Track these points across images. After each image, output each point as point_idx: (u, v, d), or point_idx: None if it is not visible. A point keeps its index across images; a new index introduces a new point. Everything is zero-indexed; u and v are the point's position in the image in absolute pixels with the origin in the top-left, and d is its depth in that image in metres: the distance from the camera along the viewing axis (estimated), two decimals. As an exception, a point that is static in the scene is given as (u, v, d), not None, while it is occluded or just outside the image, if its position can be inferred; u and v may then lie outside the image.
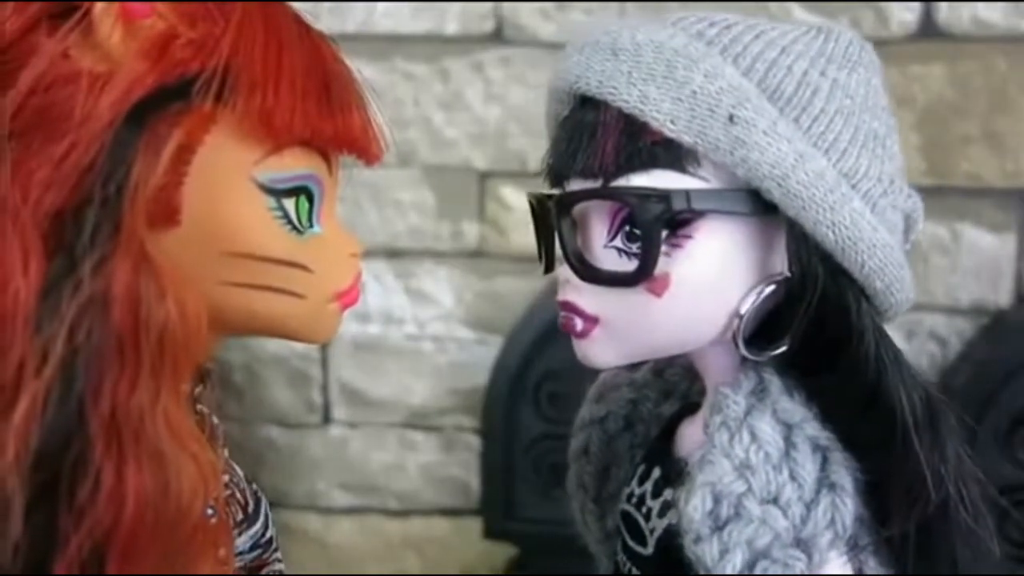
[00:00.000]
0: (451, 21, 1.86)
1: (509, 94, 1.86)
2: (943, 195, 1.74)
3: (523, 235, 1.87)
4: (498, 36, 1.86)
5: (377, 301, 1.89)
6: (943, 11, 1.73)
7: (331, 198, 0.75)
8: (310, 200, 0.72)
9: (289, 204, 0.71)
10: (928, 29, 1.74)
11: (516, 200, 1.87)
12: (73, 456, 0.60)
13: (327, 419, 2.00)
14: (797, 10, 1.75)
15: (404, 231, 1.91)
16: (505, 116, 1.86)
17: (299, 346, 1.89)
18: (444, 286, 1.93)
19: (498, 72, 1.86)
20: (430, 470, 1.99)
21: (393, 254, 1.91)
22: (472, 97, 1.87)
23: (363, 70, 0.75)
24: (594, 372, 1.68)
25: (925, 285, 1.76)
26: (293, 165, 0.70)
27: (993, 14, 1.71)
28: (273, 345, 1.94)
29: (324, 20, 0.75)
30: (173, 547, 0.63)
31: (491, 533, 1.86)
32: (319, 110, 0.69)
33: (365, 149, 0.74)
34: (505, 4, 1.85)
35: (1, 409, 0.59)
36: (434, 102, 1.88)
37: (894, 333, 1.65)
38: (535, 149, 1.85)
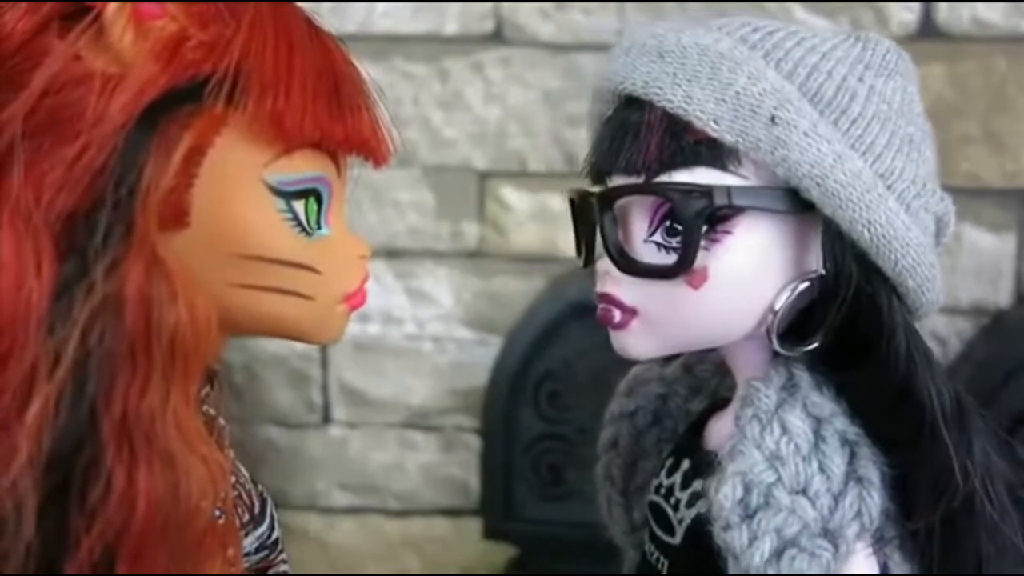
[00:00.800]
0: (451, 21, 1.86)
1: (509, 94, 1.86)
2: (944, 195, 1.74)
3: (523, 235, 1.88)
4: (498, 36, 1.86)
5: (377, 301, 1.89)
6: (943, 11, 1.73)
7: (339, 200, 0.75)
8: (319, 202, 0.72)
9: (298, 206, 0.71)
10: (928, 29, 1.74)
11: (516, 200, 1.87)
12: (85, 458, 0.60)
13: (327, 419, 1.99)
14: (797, 10, 1.75)
15: (404, 231, 1.91)
16: (505, 116, 1.86)
17: (299, 346, 1.89)
18: (444, 286, 1.93)
19: (498, 72, 1.86)
20: (430, 470, 1.99)
21: (393, 254, 1.91)
22: (472, 97, 1.87)
23: (363, 70, 0.76)
24: (594, 370, 1.69)
25: (925, 285, 1.75)
26: (303, 167, 0.71)
27: (993, 14, 1.71)
28: (273, 345, 1.93)
29: (324, 20, 0.75)
30: (183, 548, 0.63)
31: (491, 533, 1.86)
32: (329, 112, 0.69)
33: (374, 151, 0.74)
34: (505, 4, 1.85)
35: (13, 411, 0.59)
36: (434, 102, 1.88)
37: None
38: (534, 149, 1.86)
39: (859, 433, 0.77)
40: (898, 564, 0.78)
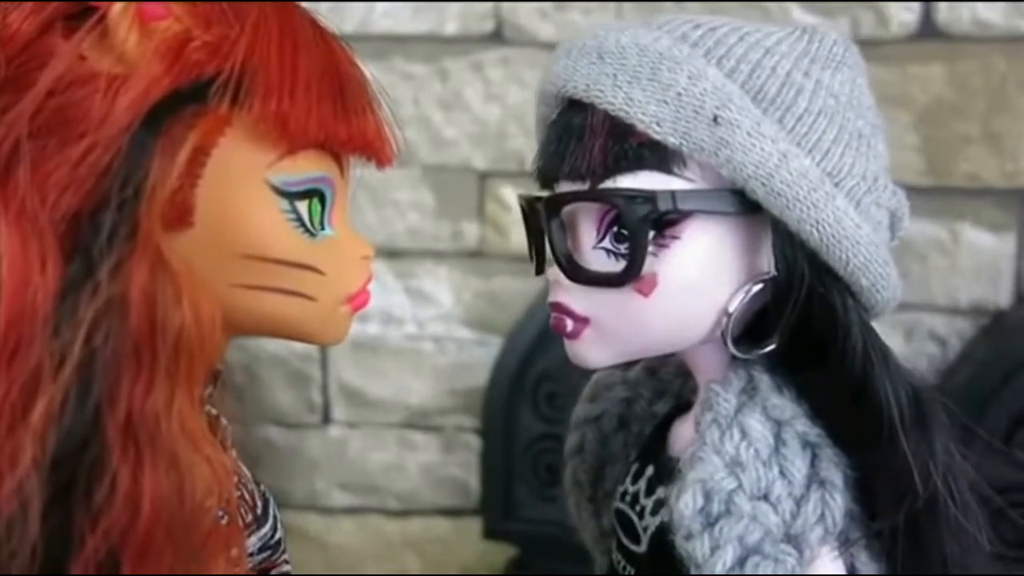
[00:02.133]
0: (450, 21, 1.87)
1: (508, 94, 1.86)
2: (942, 195, 1.75)
3: (523, 235, 1.87)
4: (497, 36, 1.86)
5: (377, 301, 1.87)
6: (943, 11, 1.73)
7: (343, 200, 0.75)
8: (322, 202, 0.72)
9: (302, 206, 0.71)
10: (928, 29, 1.74)
11: (516, 200, 1.87)
12: (90, 458, 0.60)
13: (327, 419, 2.00)
14: (796, 10, 1.75)
15: (403, 231, 1.91)
16: (504, 116, 1.87)
17: (299, 346, 1.89)
18: (444, 286, 1.93)
19: (497, 72, 1.86)
20: (430, 470, 1.99)
21: (393, 254, 1.91)
22: (471, 97, 1.88)
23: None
24: (590, 371, 1.69)
25: (925, 285, 1.76)
26: (307, 168, 0.71)
27: (993, 14, 1.71)
28: (273, 345, 1.94)
29: (323, 20, 0.75)
30: (188, 548, 0.63)
31: (491, 533, 1.86)
32: (334, 113, 0.69)
33: (378, 152, 0.74)
34: (504, 4, 1.85)
35: (18, 411, 0.59)
36: (433, 102, 1.88)
37: (894, 333, 1.65)
38: (534, 149, 1.85)
39: (821, 435, 0.76)
40: (865, 564, 0.77)
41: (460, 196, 1.90)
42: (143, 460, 0.61)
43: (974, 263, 1.76)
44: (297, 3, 0.72)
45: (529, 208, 0.83)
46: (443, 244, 1.92)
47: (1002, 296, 1.77)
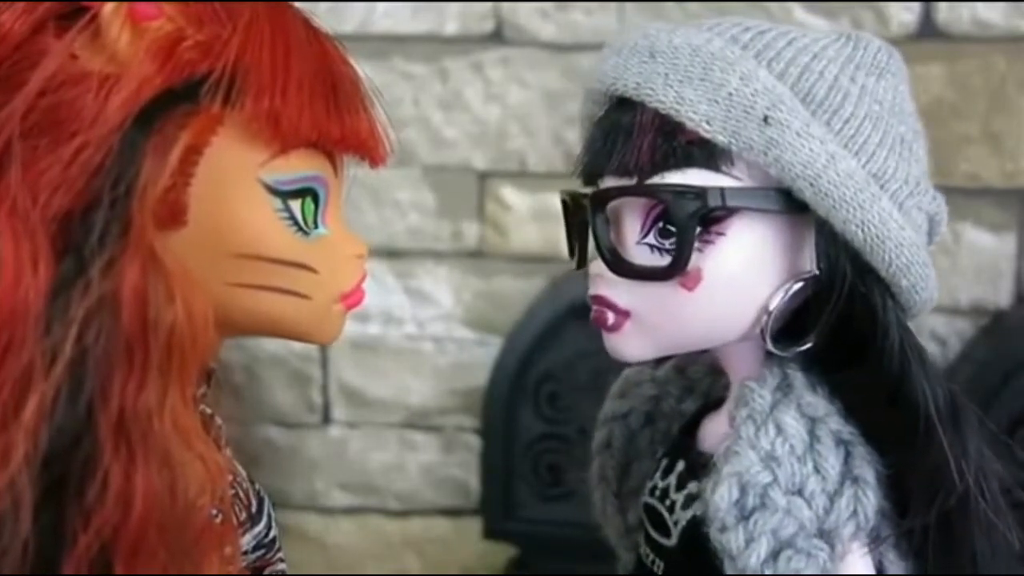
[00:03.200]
0: (450, 21, 1.86)
1: (508, 94, 1.86)
2: (943, 195, 1.74)
3: (523, 235, 1.88)
4: (498, 36, 1.86)
5: (377, 301, 1.89)
6: (943, 11, 1.73)
7: (336, 199, 0.75)
8: (316, 201, 0.73)
9: (295, 205, 0.71)
10: (928, 29, 1.74)
11: (516, 200, 1.87)
12: (82, 456, 0.60)
13: (327, 419, 1.99)
14: (797, 10, 1.75)
15: (403, 231, 1.91)
16: (505, 116, 1.86)
17: (299, 346, 1.89)
18: (444, 286, 1.93)
19: (497, 72, 1.86)
20: (430, 470, 1.98)
21: (392, 254, 1.91)
22: (471, 97, 1.87)
23: (362, 70, 0.76)
24: (592, 371, 1.69)
25: (925, 285, 1.75)
26: (299, 166, 0.71)
27: (993, 14, 1.71)
28: (273, 345, 1.93)
29: (322, 20, 0.75)
30: (180, 546, 0.64)
31: (491, 533, 1.86)
32: (327, 112, 0.69)
33: (371, 151, 0.74)
34: (504, 4, 1.85)
35: (10, 409, 0.59)
36: (433, 102, 1.88)
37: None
38: (534, 149, 1.86)
39: (854, 433, 0.77)
40: (893, 563, 0.78)
41: (460, 196, 1.90)
42: (135, 458, 0.61)
43: (974, 263, 1.76)
44: (290, 3, 0.72)
45: (573, 203, 0.84)
46: (443, 244, 1.92)
47: (1002, 296, 1.76)
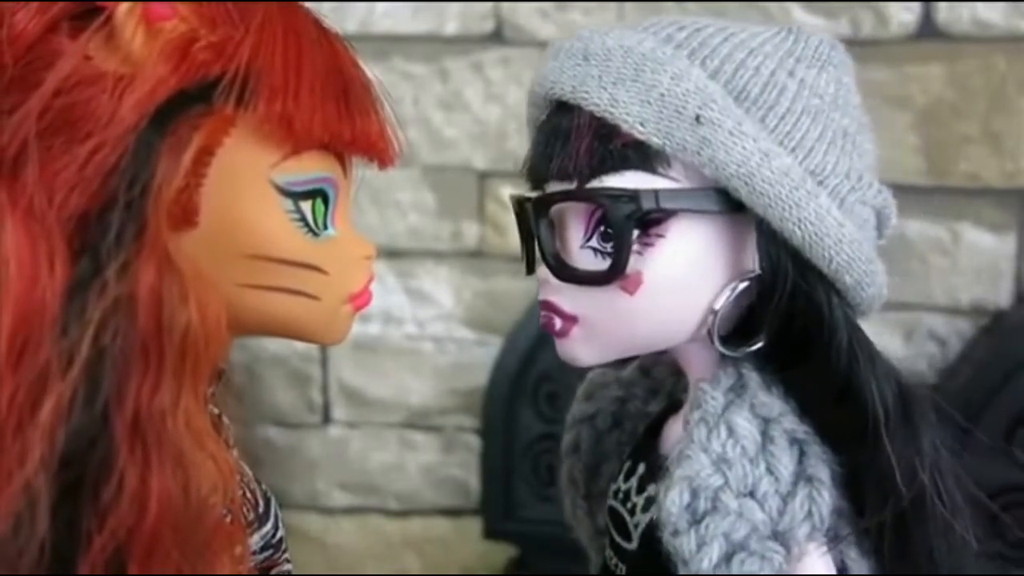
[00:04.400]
0: (450, 21, 1.87)
1: (508, 94, 1.86)
2: (943, 195, 1.75)
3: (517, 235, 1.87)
4: (497, 36, 1.86)
5: (377, 301, 1.87)
6: (942, 11, 1.73)
7: (345, 201, 0.75)
8: (326, 203, 0.73)
9: (306, 206, 0.71)
10: (927, 29, 1.74)
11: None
12: (97, 457, 0.60)
13: (327, 419, 2.00)
14: (797, 10, 1.75)
15: (404, 231, 1.91)
16: (504, 116, 1.87)
17: (299, 346, 1.89)
18: (444, 286, 1.93)
19: (497, 72, 1.87)
20: (430, 470, 1.99)
21: (393, 254, 1.91)
22: (472, 97, 1.88)
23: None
24: (587, 371, 1.69)
25: (925, 285, 1.76)
26: (310, 168, 0.71)
27: (993, 14, 1.71)
28: (273, 345, 1.94)
29: (325, 20, 0.75)
30: (193, 546, 0.64)
31: (491, 533, 1.86)
32: (338, 114, 0.69)
33: (381, 153, 0.75)
34: (504, 4, 1.85)
35: (26, 410, 0.59)
36: (434, 102, 1.88)
37: (894, 333, 1.65)
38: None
39: (808, 432, 0.77)
40: (855, 561, 0.77)
41: (460, 196, 1.90)
42: (150, 459, 0.61)
43: (974, 263, 1.76)
44: (302, 4, 0.72)
45: (520, 208, 0.84)
46: (443, 244, 1.92)
47: (1002, 296, 1.77)
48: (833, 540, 0.76)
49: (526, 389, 1.82)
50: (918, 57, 1.74)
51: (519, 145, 1.84)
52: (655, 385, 0.96)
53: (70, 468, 0.59)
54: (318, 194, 0.72)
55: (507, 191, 1.87)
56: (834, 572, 0.77)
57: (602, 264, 0.76)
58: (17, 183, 0.61)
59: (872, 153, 0.82)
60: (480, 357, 1.91)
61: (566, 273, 0.78)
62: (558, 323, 0.79)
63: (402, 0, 1.85)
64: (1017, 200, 1.75)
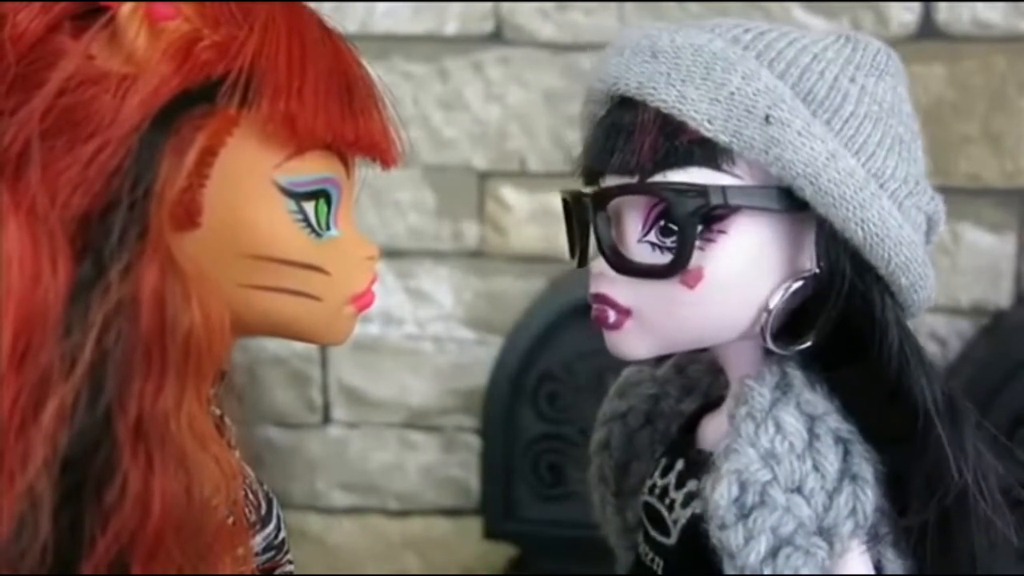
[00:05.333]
0: (450, 21, 1.86)
1: (508, 94, 1.86)
2: (943, 195, 1.73)
3: (523, 235, 1.88)
4: (497, 36, 1.86)
5: (377, 301, 1.87)
6: (943, 11, 1.73)
7: (348, 201, 0.75)
8: (328, 203, 0.72)
9: (309, 207, 0.71)
10: (928, 29, 1.74)
11: (516, 200, 1.88)
12: (100, 460, 0.60)
13: (327, 419, 1.99)
14: (797, 10, 1.75)
15: (404, 231, 1.91)
16: (505, 116, 1.87)
17: (299, 346, 1.89)
18: (444, 286, 1.93)
19: (497, 72, 1.86)
20: (430, 470, 1.99)
21: (393, 254, 1.91)
22: (472, 97, 1.88)
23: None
24: (591, 371, 1.69)
25: (925, 285, 1.76)
26: (314, 168, 0.71)
27: (993, 14, 1.71)
28: (273, 345, 1.93)
29: (330, 21, 0.75)
30: (196, 549, 0.63)
31: (491, 533, 1.86)
32: (341, 114, 0.69)
33: (384, 153, 0.74)
34: (504, 4, 1.85)
35: (29, 413, 0.59)
36: (434, 102, 1.88)
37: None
38: (534, 149, 1.86)
39: (852, 431, 0.78)
40: (891, 561, 0.78)
41: (460, 196, 1.90)
42: (153, 461, 0.61)
43: (974, 263, 1.76)
44: (305, 3, 0.72)
45: (574, 202, 0.84)
46: (443, 244, 1.92)
47: (1002, 296, 1.77)
48: (873, 539, 0.77)
49: (526, 389, 1.82)
50: (918, 57, 1.74)
51: (519, 145, 1.85)
52: (690, 384, 0.97)
53: (73, 470, 0.59)
54: (321, 194, 0.72)
55: (507, 191, 1.88)
56: (872, 572, 0.78)
57: (660, 258, 0.77)
58: (20, 183, 0.61)
59: (923, 161, 0.83)
60: (480, 357, 1.91)
61: (626, 266, 0.78)
62: (612, 316, 0.80)
63: (402, 0, 1.85)
64: (1017, 200, 1.75)
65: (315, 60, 0.68)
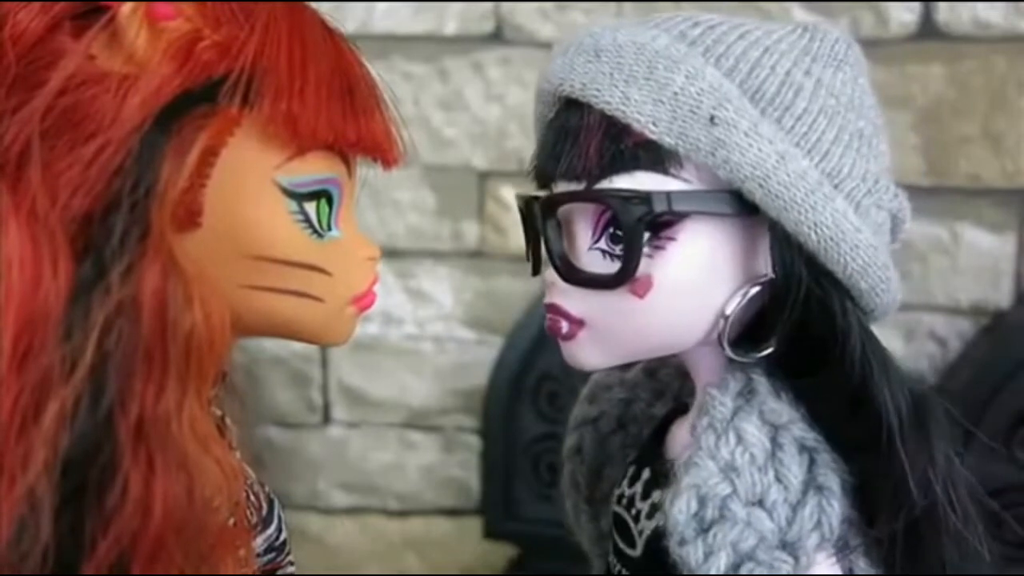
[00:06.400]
0: (450, 21, 1.86)
1: (508, 94, 1.86)
2: (942, 195, 1.74)
3: (523, 235, 1.87)
4: (497, 36, 1.86)
5: (377, 301, 1.88)
6: (943, 11, 1.73)
7: (350, 201, 0.75)
8: (330, 204, 0.72)
9: (310, 208, 0.71)
10: (928, 29, 1.74)
11: (516, 200, 1.87)
12: (101, 462, 0.59)
13: (327, 419, 1.99)
14: (796, 10, 1.75)
15: (404, 231, 1.91)
16: (504, 116, 1.86)
17: (299, 346, 1.89)
18: (444, 286, 1.93)
19: (497, 72, 1.86)
20: (430, 470, 1.99)
21: (393, 254, 1.91)
22: (471, 97, 1.87)
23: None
24: (589, 372, 1.69)
25: (925, 285, 1.76)
26: (315, 169, 0.70)
27: (993, 14, 1.71)
28: (273, 345, 1.93)
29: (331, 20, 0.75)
30: (198, 550, 0.63)
31: (491, 533, 1.86)
32: (343, 114, 0.69)
33: (386, 153, 0.74)
34: (504, 4, 1.85)
35: (30, 415, 0.59)
36: (434, 102, 1.88)
37: (894, 334, 1.65)
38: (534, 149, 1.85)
39: (819, 439, 0.75)
40: (863, 570, 0.76)
41: (460, 196, 1.90)
42: (154, 463, 0.60)
43: (974, 263, 1.76)
44: (307, 3, 0.72)
45: (526, 208, 0.82)
46: (443, 244, 1.92)
47: (1002, 296, 1.76)
48: (842, 550, 0.74)
49: (526, 389, 1.82)
50: (918, 57, 1.74)
51: (519, 145, 1.85)
52: (660, 387, 0.95)
53: (74, 472, 0.59)
54: (322, 195, 0.71)
55: (507, 191, 1.88)
56: None
57: (611, 266, 0.75)
58: (20, 184, 0.61)
59: (887, 155, 0.80)
60: (480, 357, 1.91)
61: (574, 276, 0.76)
62: (564, 326, 0.78)
63: (402, 0, 1.85)
64: (1017, 200, 1.75)
65: (317, 60, 0.68)
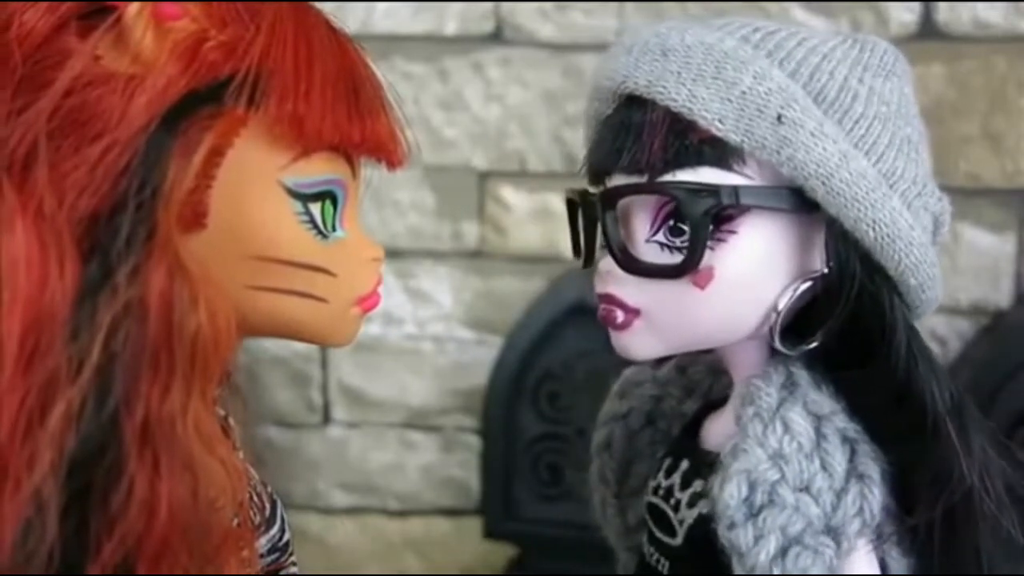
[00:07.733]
0: (450, 21, 1.86)
1: (508, 94, 1.86)
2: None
3: (523, 235, 1.87)
4: (497, 36, 1.86)
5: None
6: (943, 11, 1.73)
7: (354, 202, 0.75)
8: (335, 204, 0.72)
9: (315, 208, 0.71)
10: (928, 29, 1.74)
11: (516, 200, 1.87)
12: (107, 464, 0.59)
13: (327, 419, 1.99)
14: (796, 10, 1.75)
15: (404, 231, 1.91)
16: (505, 116, 1.86)
17: (299, 346, 1.89)
18: (444, 286, 1.93)
19: (497, 72, 1.86)
20: (430, 470, 1.98)
21: (393, 254, 1.90)
22: (472, 97, 1.87)
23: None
24: (591, 371, 1.69)
25: (925, 285, 1.76)
26: (320, 169, 0.70)
27: (993, 14, 1.71)
28: (273, 345, 1.93)
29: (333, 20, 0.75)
30: (202, 551, 0.63)
31: (491, 533, 1.86)
32: (348, 115, 0.69)
33: (390, 154, 0.74)
34: (504, 4, 1.84)
35: (35, 415, 0.59)
36: (434, 102, 1.88)
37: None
38: (534, 149, 1.85)
39: (858, 430, 0.78)
40: (896, 560, 0.78)
41: (460, 196, 1.90)
42: (159, 465, 0.60)
43: (974, 263, 1.76)
44: (312, 4, 0.72)
45: (582, 201, 0.83)
46: (443, 244, 1.91)
47: (1002, 296, 1.77)
48: (879, 538, 0.77)
49: (526, 389, 1.81)
50: (918, 57, 1.72)
51: (519, 145, 1.85)
52: (691, 385, 0.97)
53: (79, 474, 0.59)
54: (327, 196, 0.72)
55: (507, 191, 1.88)
56: (877, 570, 0.78)
57: (668, 258, 0.77)
58: (27, 184, 0.61)
59: (929, 162, 0.83)
60: (480, 357, 1.91)
61: (635, 266, 0.78)
62: (620, 316, 0.79)
63: (402, 0, 1.85)
64: (1017, 200, 1.75)
65: (322, 61, 0.68)
